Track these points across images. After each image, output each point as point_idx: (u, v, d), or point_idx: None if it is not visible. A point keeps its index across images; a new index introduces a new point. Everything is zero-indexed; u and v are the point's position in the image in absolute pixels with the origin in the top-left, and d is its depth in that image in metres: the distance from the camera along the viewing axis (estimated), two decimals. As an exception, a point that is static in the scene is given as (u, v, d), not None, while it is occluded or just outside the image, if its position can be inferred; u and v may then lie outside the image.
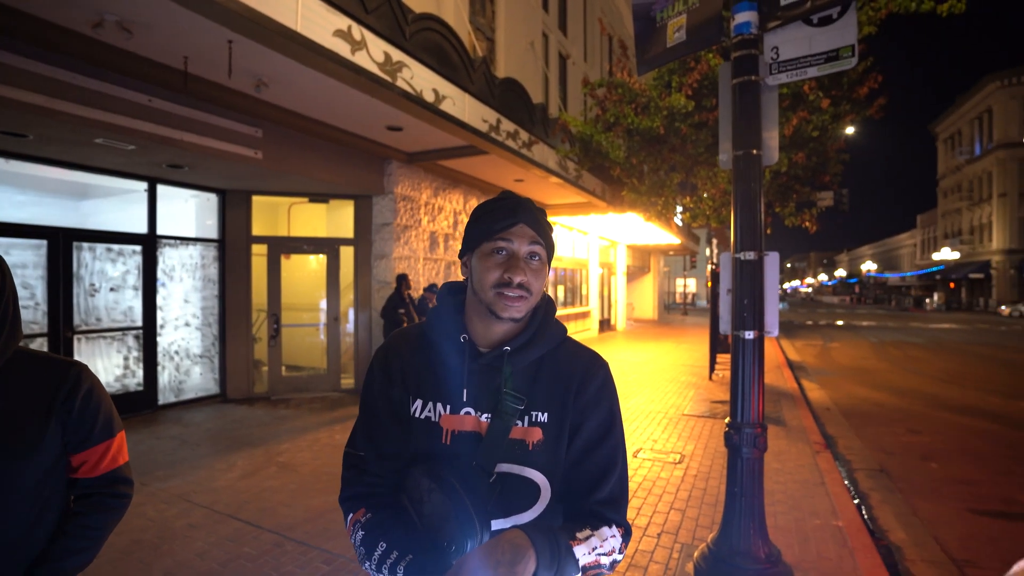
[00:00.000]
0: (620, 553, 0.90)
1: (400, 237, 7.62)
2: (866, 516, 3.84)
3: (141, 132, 4.64)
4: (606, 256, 17.99)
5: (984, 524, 3.79)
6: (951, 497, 4.28)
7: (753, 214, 2.64)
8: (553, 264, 13.18)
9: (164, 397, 6.41)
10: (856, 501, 4.03)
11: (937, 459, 5.21)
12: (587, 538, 0.86)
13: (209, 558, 2.98)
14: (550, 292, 13.36)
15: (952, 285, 43.21)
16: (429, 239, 8.29)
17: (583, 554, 0.84)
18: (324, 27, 4.17)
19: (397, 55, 5.05)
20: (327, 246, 7.71)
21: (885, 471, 4.82)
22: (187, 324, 6.71)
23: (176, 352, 6.57)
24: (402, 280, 6.62)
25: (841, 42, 2.51)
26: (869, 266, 67.19)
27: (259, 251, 7.29)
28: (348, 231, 7.79)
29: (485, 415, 0.95)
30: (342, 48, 4.35)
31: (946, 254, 41.72)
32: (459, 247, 9.35)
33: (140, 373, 6.18)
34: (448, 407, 0.97)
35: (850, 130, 6.77)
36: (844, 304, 58.16)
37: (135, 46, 4.16)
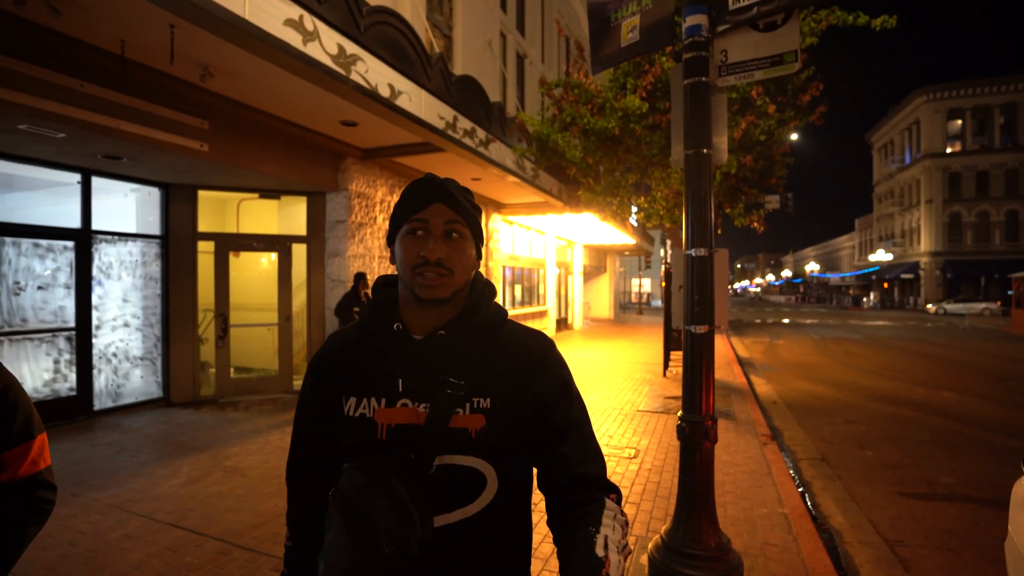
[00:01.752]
0: (627, 524, 0.88)
1: (355, 235, 7.46)
2: (809, 503, 4.02)
3: (72, 119, 4.36)
4: (563, 256, 18.19)
5: (911, 505, 4.04)
6: (883, 481, 4.55)
7: (703, 212, 2.72)
8: (510, 264, 13.28)
9: (100, 402, 6.04)
10: (800, 489, 4.22)
11: (871, 447, 5.52)
12: (605, 543, 0.80)
13: (147, 569, 2.82)
14: (508, 291, 13.40)
15: (886, 285, 46.04)
16: (385, 237, 8.15)
17: (617, 565, 0.79)
18: (274, 15, 4.03)
19: (351, 48, 4.94)
20: (278, 243, 7.46)
21: (826, 459, 5.07)
22: (126, 325, 6.34)
23: (114, 354, 6.20)
24: (360, 279, 6.48)
25: (785, 47, 2.62)
26: (813, 267, 70.63)
27: (206, 248, 6.97)
28: (301, 228, 7.57)
29: (423, 405, 0.91)
30: (293, 38, 4.22)
31: (880, 256, 44.38)
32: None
33: (73, 377, 5.80)
34: (383, 400, 0.92)
35: (795, 136, 7.09)
36: (790, 303, 61.01)
37: (66, 27, 3.91)
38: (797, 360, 12.35)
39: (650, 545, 2.95)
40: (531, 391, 0.94)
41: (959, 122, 37.74)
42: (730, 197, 6.97)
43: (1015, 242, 35.74)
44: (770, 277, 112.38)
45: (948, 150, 37.89)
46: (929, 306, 34.76)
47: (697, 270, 2.74)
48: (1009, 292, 22.36)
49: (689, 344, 2.78)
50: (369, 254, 7.78)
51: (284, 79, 4.81)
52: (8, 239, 5.31)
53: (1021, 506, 1.89)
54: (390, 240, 0.98)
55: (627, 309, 32.60)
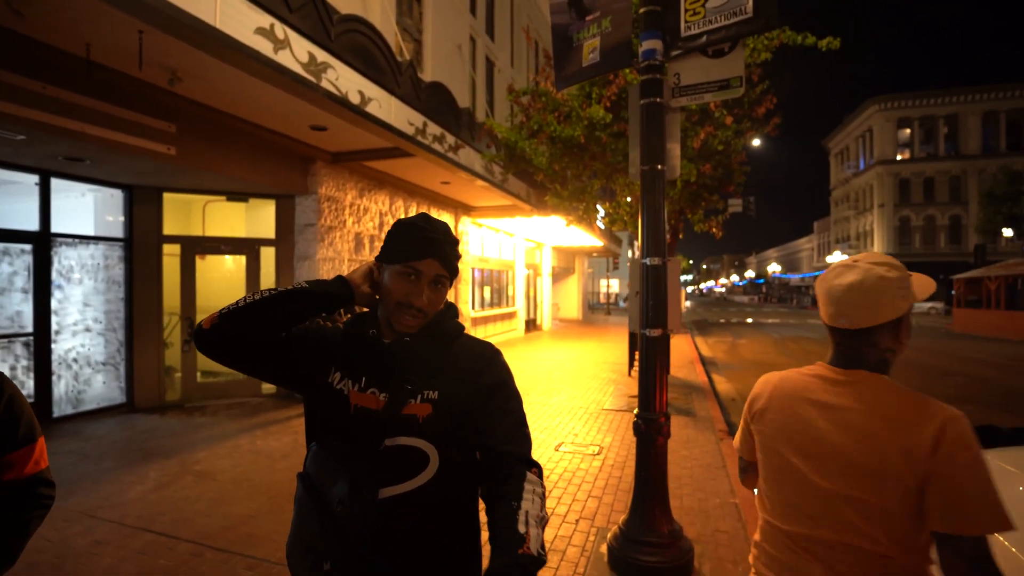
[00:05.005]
0: (543, 496, 1.02)
1: (324, 238, 7.48)
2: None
3: (32, 121, 4.29)
4: (532, 257, 18.41)
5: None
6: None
7: (657, 223, 2.93)
8: (480, 265, 13.42)
9: (60, 409, 5.91)
10: (751, 480, 4.49)
11: (820, 440, 5.87)
12: (525, 519, 0.93)
13: (120, 573, 2.86)
14: (477, 293, 13.53)
15: (842, 285, 47.85)
16: (354, 240, 8.18)
17: (536, 538, 0.91)
18: (245, 24, 4.07)
19: (322, 56, 5.00)
20: (246, 247, 7.41)
21: (777, 453, 5.38)
22: (87, 329, 6.22)
23: (75, 360, 6.07)
24: None
25: (731, 73, 2.85)
26: (774, 268, 73.03)
27: (171, 251, 6.88)
28: (269, 231, 7.53)
29: (384, 394, 1.11)
30: (264, 46, 4.27)
31: (837, 257, 46.20)
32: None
33: (31, 384, 5.66)
34: (356, 385, 1.13)
35: (756, 142, 7.45)
36: (753, 303, 62.89)
37: (29, 29, 3.87)
38: (757, 359, 12.86)
39: (609, 535, 3.14)
40: (475, 386, 1.13)
41: (908, 131, 39.69)
42: (691, 203, 7.28)
43: (958, 244, 37.79)
44: (734, 278, 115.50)
45: (898, 157, 39.79)
46: (881, 306, 36.38)
47: (652, 277, 2.94)
48: (952, 292, 23.71)
49: (644, 347, 2.98)
50: (339, 257, 7.80)
51: (255, 85, 4.84)
52: (-38, 242, 5.17)
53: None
54: (380, 258, 1.18)
55: (595, 310, 33.12)
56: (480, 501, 1.14)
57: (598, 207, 8.42)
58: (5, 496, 1.14)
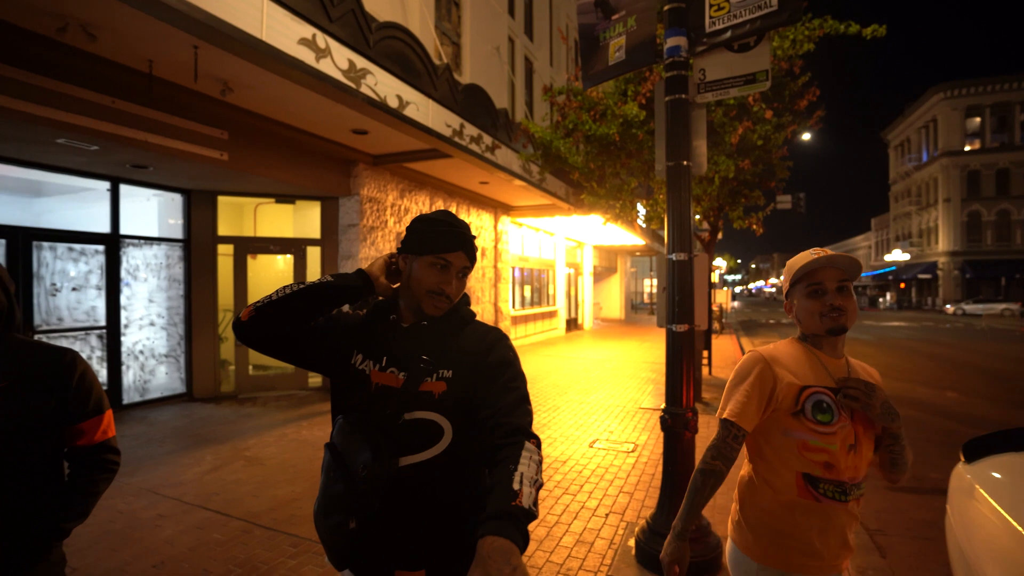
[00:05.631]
0: (540, 462, 1.09)
1: (367, 238, 7.76)
2: (796, 494, 4.20)
3: (104, 133, 4.69)
4: (573, 257, 18.37)
5: (896, 498, 4.20)
6: (874, 476, 4.68)
7: (683, 219, 2.94)
8: (520, 264, 13.54)
9: (129, 396, 6.41)
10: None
11: (867, 444, 5.65)
12: (520, 479, 1.01)
13: (178, 544, 3.12)
14: (517, 292, 13.65)
15: (903, 285, 45.39)
16: (396, 240, 8.43)
17: (528, 495, 0.99)
18: (288, 36, 4.32)
19: (361, 62, 5.22)
20: (294, 246, 7.79)
21: (819, 455, 5.22)
22: (152, 324, 6.71)
23: (141, 352, 6.57)
24: None
25: (757, 67, 2.83)
26: (827, 267, 69.55)
27: (225, 251, 7.32)
28: (315, 232, 7.89)
29: (403, 373, 1.23)
30: (307, 56, 4.51)
31: (897, 255, 43.81)
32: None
33: (104, 372, 6.17)
34: (377, 365, 1.26)
35: (807, 136, 7.22)
36: (804, 303, 60.20)
37: (100, 49, 4.23)
38: (804, 360, 12.38)
39: (636, 529, 3.17)
40: (484, 365, 1.23)
41: (978, 120, 37.12)
42: (731, 200, 7.13)
43: (1036, 241, 35.08)
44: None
45: (967, 148, 37.30)
46: (947, 307, 34.27)
47: (678, 273, 2.96)
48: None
49: (671, 341, 3.00)
50: (381, 256, 8.07)
51: (298, 92, 5.10)
52: (45, 243, 5.69)
53: (957, 491, 2.09)
54: (404, 251, 1.31)
55: (639, 309, 32.65)
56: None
57: (638, 205, 8.36)
58: (78, 460, 1.32)
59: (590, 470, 4.56)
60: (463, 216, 10.44)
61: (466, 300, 1.37)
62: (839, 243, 73.76)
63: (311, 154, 6.94)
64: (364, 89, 5.29)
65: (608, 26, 3.31)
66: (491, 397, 1.18)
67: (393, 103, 5.73)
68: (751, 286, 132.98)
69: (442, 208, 9.66)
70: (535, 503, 0.99)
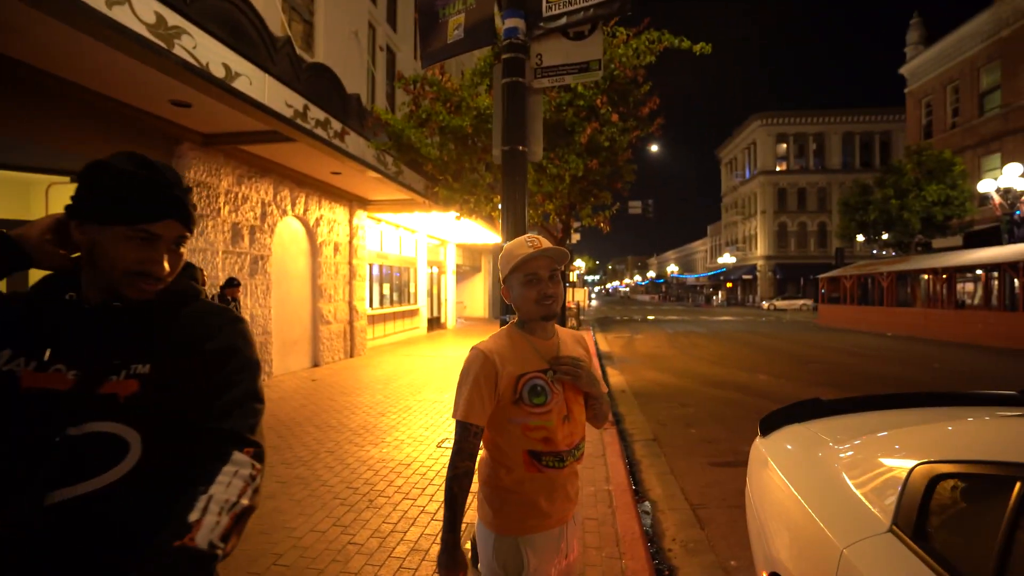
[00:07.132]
0: (254, 478, 0.86)
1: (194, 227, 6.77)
2: (634, 479, 4.40)
3: None
4: (435, 255, 18.12)
5: (717, 473, 4.61)
6: (700, 454, 5.13)
7: (519, 206, 2.86)
8: (378, 261, 12.96)
9: None
10: (628, 467, 4.60)
11: (696, 425, 6.20)
12: (205, 507, 0.78)
13: None
14: (376, 289, 13.06)
15: (730, 284, 52.25)
16: (231, 230, 7.51)
17: (212, 527, 0.76)
18: (64, -31, 3.52)
19: (174, 19, 4.48)
20: (95, 235, 6.53)
21: (656, 439, 5.59)
22: None
23: None
24: (228, 286, 6.17)
25: (591, 56, 2.85)
26: (673, 268, 77.88)
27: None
28: (125, 218, 6.70)
29: (74, 371, 0.88)
30: (92, -1, 3.72)
31: (726, 259, 50.24)
32: (268, 240, 8.49)
33: None
34: (33, 363, 0.88)
35: (655, 148, 7.72)
36: (653, 301, 66.86)
37: None
38: (650, 352, 13.51)
39: (474, 532, 3.03)
40: (200, 354, 0.95)
41: (784, 145, 43.94)
42: (581, 198, 7.43)
43: (824, 248, 42.41)
44: (637, 278, 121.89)
45: (777, 168, 43.93)
46: (764, 303, 40.07)
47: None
48: (822, 291, 26.59)
49: (508, 333, 2.90)
50: (211, 248, 7.12)
51: (92, 46, 4.22)
52: None
53: (755, 462, 2.24)
54: (82, 216, 0.93)
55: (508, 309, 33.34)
56: None
57: (496, 202, 8.38)
58: None
59: (435, 472, 4.35)
60: (315, 210, 9.65)
61: (189, 272, 1.05)
62: (682, 247, 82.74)
63: (122, 126, 5.86)
64: (179, 51, 4.56)
65: (448, 2, 3.14)
66: (207, 395, 0.91)
67: (218, 72, 5.03)
68: (608, 286, 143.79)
69: (288, 197, 8.81)
70: (224, 536, 0.75)
